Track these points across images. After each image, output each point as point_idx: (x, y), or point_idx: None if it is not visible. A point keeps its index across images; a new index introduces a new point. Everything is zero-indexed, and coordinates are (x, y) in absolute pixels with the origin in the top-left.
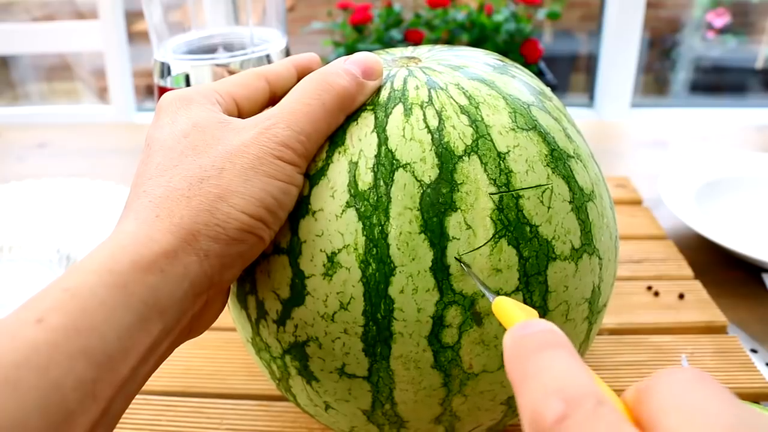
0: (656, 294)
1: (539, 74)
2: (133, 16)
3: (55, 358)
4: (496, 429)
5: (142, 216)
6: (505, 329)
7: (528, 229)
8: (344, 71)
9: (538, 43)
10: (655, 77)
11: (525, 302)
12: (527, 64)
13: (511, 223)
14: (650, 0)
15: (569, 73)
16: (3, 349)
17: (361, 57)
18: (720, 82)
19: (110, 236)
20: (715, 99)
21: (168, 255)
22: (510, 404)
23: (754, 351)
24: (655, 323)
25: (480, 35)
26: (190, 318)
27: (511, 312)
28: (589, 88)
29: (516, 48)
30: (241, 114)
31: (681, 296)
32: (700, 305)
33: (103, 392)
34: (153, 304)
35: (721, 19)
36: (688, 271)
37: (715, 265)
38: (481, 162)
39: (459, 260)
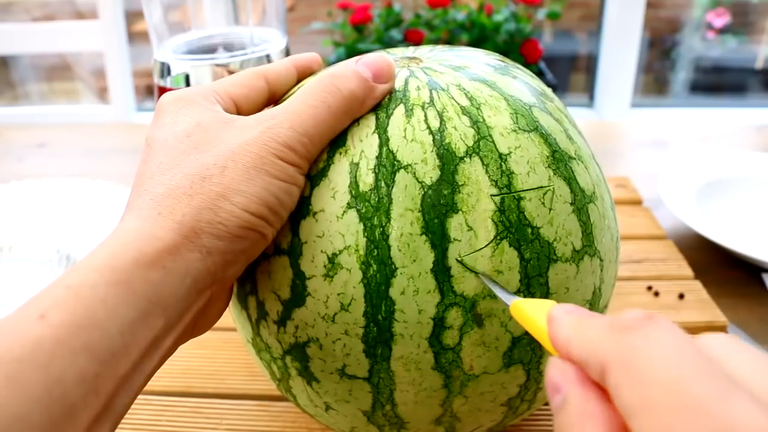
0: (656, 294)
1: (539, 74)
2: (133, 16)
3: (58, 353)
4: (496, 430)
5: (144, 214)
6: (511, 330)
7: (529, 230)
8: (354, 74)
9: (538, 43)
10: (655, 77)
11: None
12: (527, 64)
13: (513, 224)
14: (650, 0)
15: (569, 73)
16: (6, 346)
17: (374, 59)
18: (720, 82)
19: (112, 234)
20: (715, 99)
21: (170, 252)
22: (510, 405)
23: None
24: None
25: (480, 35)
26: (194, 315)
27: (530, 316)
28: (589, 88)
29: (516, 48)
30: (240, 114)
31: (681, 296)
32: (700, 305)
33: (105, 387)
34: (155, 301)
35: (721, 19)
36: (688, 271)
37: (715, 265)
38: (483, 163)
39: (478, 273)
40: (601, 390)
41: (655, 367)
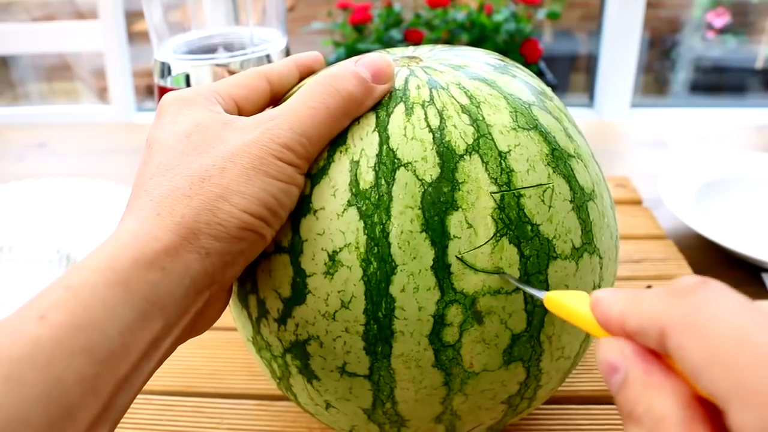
0: None
1: (539, 74)
2: (133, 16)
3: (57, 354)
4: (496, 428)
5: (143, 214)
6: (511, 328)
7: (529, 228)
8: (353, 74)
9: (538, 43)
10: (655, 77)
11: (525, 302)
12: (527, 64)
13: (513, 221)
14: (650, 0)
15: (569, 73)
16: (6, 346)
17: (373, 59)
18: (720, 82)
19: (112, 235)
20: (715, 99)
21: (169, 253)
22: (510, 403)
23: None
24: None
25: (480, 35)
26: (193, 315)
27: (569, 304)
28: (589, 88)
29: (516, 48)
30: (241, 114)
31: None
32: None
33: (104, 388)
34: (154, 302)
35: (721, 19)
36: (688, 271)
37: (715, 265)
38: (483, 161)
39: (501, 273)
40: (660, 360)
41: (717, 324)
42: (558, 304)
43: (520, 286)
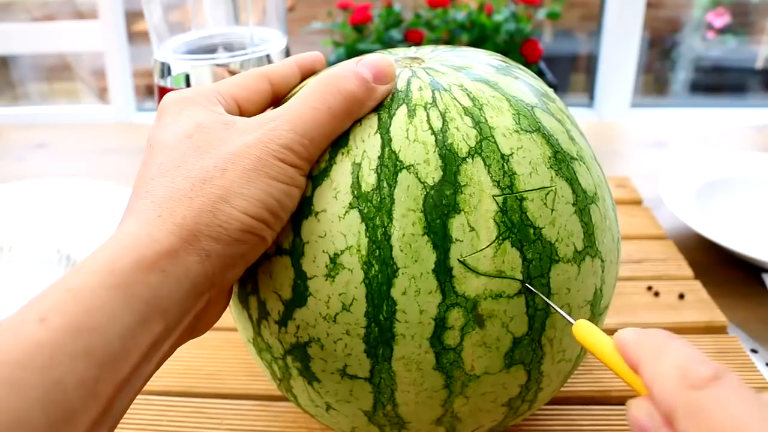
0: (656, 294)
1: (539, 74)
2: (133, 16)
3: (58, 357)
4: (497, 430)
5: (144, 216)
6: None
7: (532, 231)
8: (355, 75)
9: (538, 43)
10: (655, 77)
11: (527, 305)
12: (527, 64)
13: (515, 225)
14: (650, 0)
15: (569, 73)
16: (6, 349)
17: (374, 59)
18: (720, 82)
19: (112, 236)
20: (715, 99)
21: (170, 255)
22: (511, 405)
23: (754, 351)
24: (655, 323)
25: (480, 35)
26: (192, 318)
27: (594, 338)
28: (589, 88)
29: (516, 48)
30: (243, 115)
31: (681, 296)
32: (700, 305)
33: (104, 391)
34: (155, 304)
35: (721, 19)
36: (688, 271)
37: (715, 265)
38: (485, 164)
39: (538, 292)
40: None
41: (720, 419)
42: (585, 333)
43: (555, 307)
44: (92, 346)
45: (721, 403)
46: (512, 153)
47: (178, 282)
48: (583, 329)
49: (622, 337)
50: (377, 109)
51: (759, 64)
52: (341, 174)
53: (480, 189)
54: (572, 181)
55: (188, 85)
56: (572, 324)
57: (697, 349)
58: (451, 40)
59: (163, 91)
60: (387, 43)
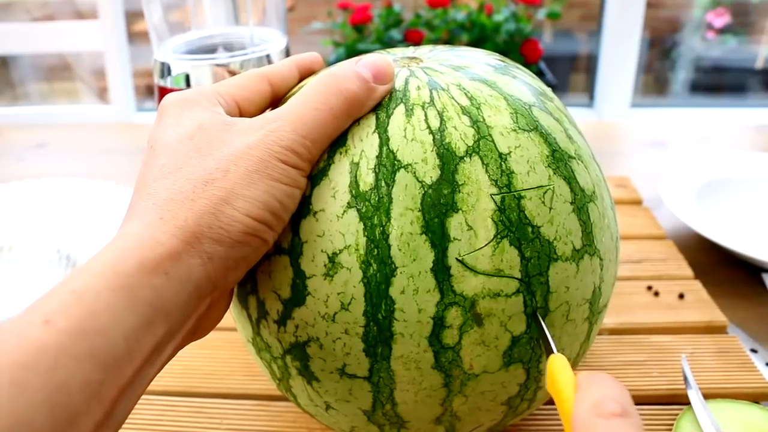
0: (656, 294)
1: (539, 74)
2: (133, 16)
3: (62, 359)
4: (496, 429)
5: (146, 218)
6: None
7: (530, 229)
8: (355, 75)
9: (538, 43)
10: (655, 77)
11: (525, 303)
12: (527, 64)
13: (513, 223)
14: (650, 0)
15: (569, 73)
16: (11, 351)
17: (373, 59)
18: (720, 82)
19: (115, 238)
20: (715, 99)
21: (172, 257)
22: (510, 404)
23: (754, 351)
24: (655, 323)
25: (480, 35)
26: (195, 320)
27: (561, 376)
28: (589, 88)
29: (516, 48)
30: (243, 116)
31: (681, 296)
32: (700, 305)
33: (108, 394)
34: (158, 307)
35: (721, 19)
36: (688, 271)
37: (715, 265)
38: (483, 163)
39: (536, 312)
40: None
41: None
42: (553, 372)
43: (547, 332)
44: (97, 348)
45: None
46: (510, 152)
47: (181, 284)
48: (557, 364)
49: (578, 383)
50: (375, 108)
51: (759, 64)
52: (339, 173)
53: (478, 188)
54: (570, 179)
55: (188, 85)
56: (553, 353)
57: (625, 390)
58: (451, 40)
59: (163, 91)
60: (387, 43)
